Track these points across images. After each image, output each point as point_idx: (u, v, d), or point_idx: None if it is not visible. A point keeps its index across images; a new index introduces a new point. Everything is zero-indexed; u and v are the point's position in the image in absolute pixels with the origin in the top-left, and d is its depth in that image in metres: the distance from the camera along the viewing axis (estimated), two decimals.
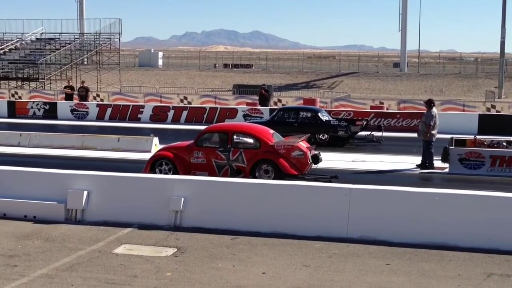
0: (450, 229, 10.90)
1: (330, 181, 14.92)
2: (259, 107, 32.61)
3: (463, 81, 63.00)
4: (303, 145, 16.13)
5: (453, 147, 18.15)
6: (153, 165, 16.14)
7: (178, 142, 17.38)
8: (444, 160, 18.02)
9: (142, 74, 68.98)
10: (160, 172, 15.88)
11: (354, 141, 24.29)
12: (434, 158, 18.31)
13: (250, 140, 15.98)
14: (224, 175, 15.56)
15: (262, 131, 16.48)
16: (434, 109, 18.63)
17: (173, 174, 15.58)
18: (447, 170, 17.99)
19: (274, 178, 15.03)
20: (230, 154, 15.80)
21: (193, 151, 16.02)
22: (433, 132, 18.30)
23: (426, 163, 18.33)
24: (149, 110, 33.12)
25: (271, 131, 16.70)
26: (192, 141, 16.35)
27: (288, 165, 15.57)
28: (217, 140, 16.15)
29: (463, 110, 34.10)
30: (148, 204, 12.20)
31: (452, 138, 18.90)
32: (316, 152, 16.24)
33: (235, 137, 15.98)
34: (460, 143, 18.58)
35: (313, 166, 16.14)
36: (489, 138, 19.00)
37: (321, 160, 16.29)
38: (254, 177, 15.36)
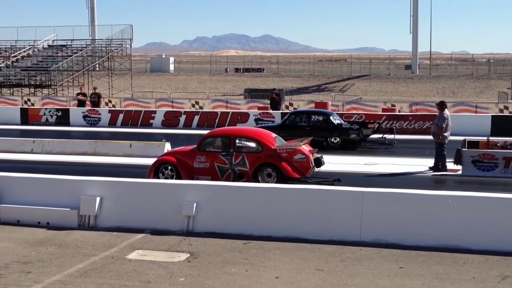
0: (464, 232, 10.85)
1: (333, 184, 14.92)
2: (270, 111, 32.64)
3: (476, 82, 62.74)
4: (305, 148, 16.13)
5: (466, 149, 18.05)
6: (156, 169, 16.21)
7: (181, 147, 17.47)
8: (457, 162, 17.92)
9: (154, 79, 69.23)
10: (164, 177, 15.95)
11: (366, 144, 24.24)
12: (447, 160, 18.22)
13: (253, 144, 16.01)
14: (227, 179, 15.61)
15: (264, 135, 16.52)
16: (447, 111, 18.56)
17: (176, 178, 15.66)
18: (460, 172, 17.91)
19: (277, 182, 15.05)
20: (233, 158, 15.83)
21: (196, 155, 16.07)
22: (445, 134, 18.21)
23: (439, 165, 18.26)
24: (161, 116, 33.22)
25: (273, 134, 16.74)
26: (195, 145, 16.41)
27: (291, 168, 15.58)
28: (219, 144, 16.20)
29: (476, 112, 33.91)
30: (160, 210, 12.23)
31: (465, 140, 18.80)
32: (318, 155, 16.24)
33: (237, 141, 16.03)
34: (473, 145, 18.48)
35: (316, 169, 16.14)
36: (502, 140, 18.87)
37: (324, 163, 16.28)
38: (257, 181, 15.38)
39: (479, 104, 36.98)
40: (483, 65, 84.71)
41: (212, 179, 15.27)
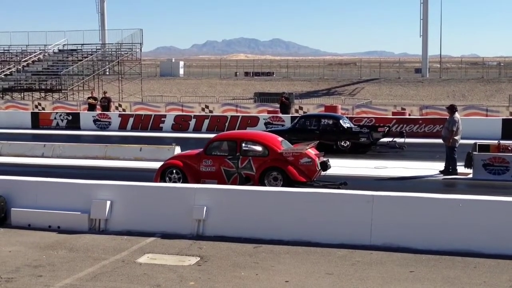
0: (475, 236, 10.80)
1: (339, 188, 14.90)
2: (280, 115, 32.62)
3: (486, 85, 62.52)
4: (312, 152, 16.15)
5: (477, 153, 17.99)
6: (163, 173, 16.27)
7: (187, 151, 17.52)
8: (467, 165, 17.86)
9: (164, 83, 69.35)
10: (170, 181, 16.01)
11: (376, 148, 24.18)
12: (458, 163, 18.16)
13: (259, 148, 16.04)
14: (233, 183, 15.64)
15: (271, 138, 16.55)
16: (457, 115, 18.50)
17: (182, 182, 15.71)
18: (470, 176, 17.84)
19: (283, 186, 15.09)
20: (239, 162, 15.86)
21: (203, 159, 16.11)
22: (456, 137, 18.15)
23: (450, 169, 18.20)
24: (171, 119, 33.28)
25: (280, 138, 16.76)
26: (201, 149, 16.45)
27: (297, 172, 15.59)
28: (226, 148, 16.24)
29: (486, 115, 33.82)
30: (170, 213, 12.25)
31: (475, 144, 18.75)
32: (324, 159, 16.24)
33: (243, 145, 16.06)
34: (484, 148, 18.42)
35: (322, 172, 16.14)
36: None
37: (330, 167, 16.28)
38: (263, 184, 15.42)
39: (489, 107, 36.85)
40: (494, 68, 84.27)
41: (218, 183, 15.29)
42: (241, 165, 15.86)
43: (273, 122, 30.87)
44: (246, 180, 15.73)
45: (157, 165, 17.03)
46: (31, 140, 27.32)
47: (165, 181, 15.95)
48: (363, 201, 11.48)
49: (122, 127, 33.52)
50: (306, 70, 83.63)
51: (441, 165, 18.67)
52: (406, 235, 11.06)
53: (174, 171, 16.20)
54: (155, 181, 15.95)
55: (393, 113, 33.85)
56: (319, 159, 16.04)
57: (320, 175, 16.15)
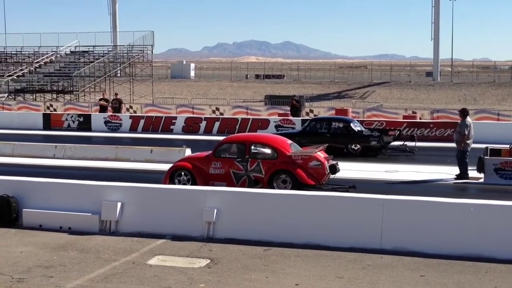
0: (486, 241, 10.76)
1: (347, 191, 14.88)
2: (291, 117, 32.64)
3: (498, 89, 62.23)
4: (321, 155, 16.15)
5: (488, 157, 17.92)
6: (172, 175, 16.30)
7: (196, 153, 17.55)
8: (479, 170, 17.79)
9: (174, 85, 69.47)
10: (179, 183, 16.04)
11: (387, 151, 24.12)
12: (469, 168, 18.09)
13: (268, 151, 16.05)
14: (242, 185, 15.65)
15: (280, 141, 16.55)
16: (468, 119, 18.44)
17: (191, 184, 15.74)
18: (482, 180, 17.77)
19: (292, 189, 15.06)
20: (248, 164, 15.88)
21: (212, 161, 16.13)
22: (468, 141, 18.09)
23: (461, 173, 18.12)
24: (182, 122, 33.34)
25: (289, 141, 16.76)
26: (211, 151, 16.47)
27: (306, 175, 15.59)
28: (235, 150, 16.25)
29: (498, 119, 33.66)
30: (181, 216, 12.28)
31: (487, 148, 18.66)
32: (333, 162, 16.24)
33: (252, 147, 16.07)
34: (495, 152, 18.33)
35: (331, 176, 16.12)
36: None
37: (339, 170, 16.27)
38: (272, 187, 15.40)
39: (501, 111, 36.68)
40: (505, 72, 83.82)
41: (227, 185, 15.32)
42: (250, 167, 15.87)
43: (284, 124, 30.89)
44: (255, 183, 15.74)
45: (167, 167, 17.06)
46: (42, 141, 27.46)
47: (174, 183, 15.99)
48: (374, 205, 11.46)
49: (133, 129, 33.63)
50: (317, 73, 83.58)
51: (451, 169, 18.60)
52: (417, 239, 11.03)
53: (183, 173, 16.23)
54: (164, 182, 15.99)
55: (404, 117, 33.75)
56: (328, 162, 16.04)
57: (329, 178, 16.14)
